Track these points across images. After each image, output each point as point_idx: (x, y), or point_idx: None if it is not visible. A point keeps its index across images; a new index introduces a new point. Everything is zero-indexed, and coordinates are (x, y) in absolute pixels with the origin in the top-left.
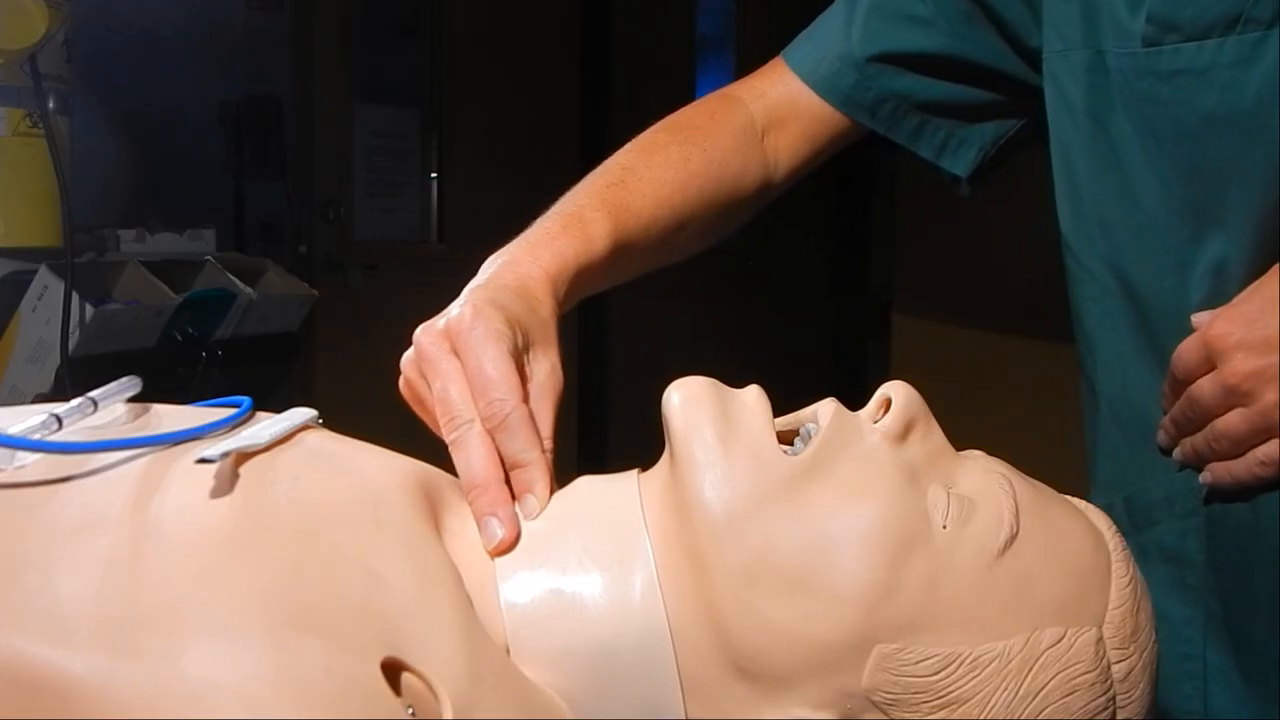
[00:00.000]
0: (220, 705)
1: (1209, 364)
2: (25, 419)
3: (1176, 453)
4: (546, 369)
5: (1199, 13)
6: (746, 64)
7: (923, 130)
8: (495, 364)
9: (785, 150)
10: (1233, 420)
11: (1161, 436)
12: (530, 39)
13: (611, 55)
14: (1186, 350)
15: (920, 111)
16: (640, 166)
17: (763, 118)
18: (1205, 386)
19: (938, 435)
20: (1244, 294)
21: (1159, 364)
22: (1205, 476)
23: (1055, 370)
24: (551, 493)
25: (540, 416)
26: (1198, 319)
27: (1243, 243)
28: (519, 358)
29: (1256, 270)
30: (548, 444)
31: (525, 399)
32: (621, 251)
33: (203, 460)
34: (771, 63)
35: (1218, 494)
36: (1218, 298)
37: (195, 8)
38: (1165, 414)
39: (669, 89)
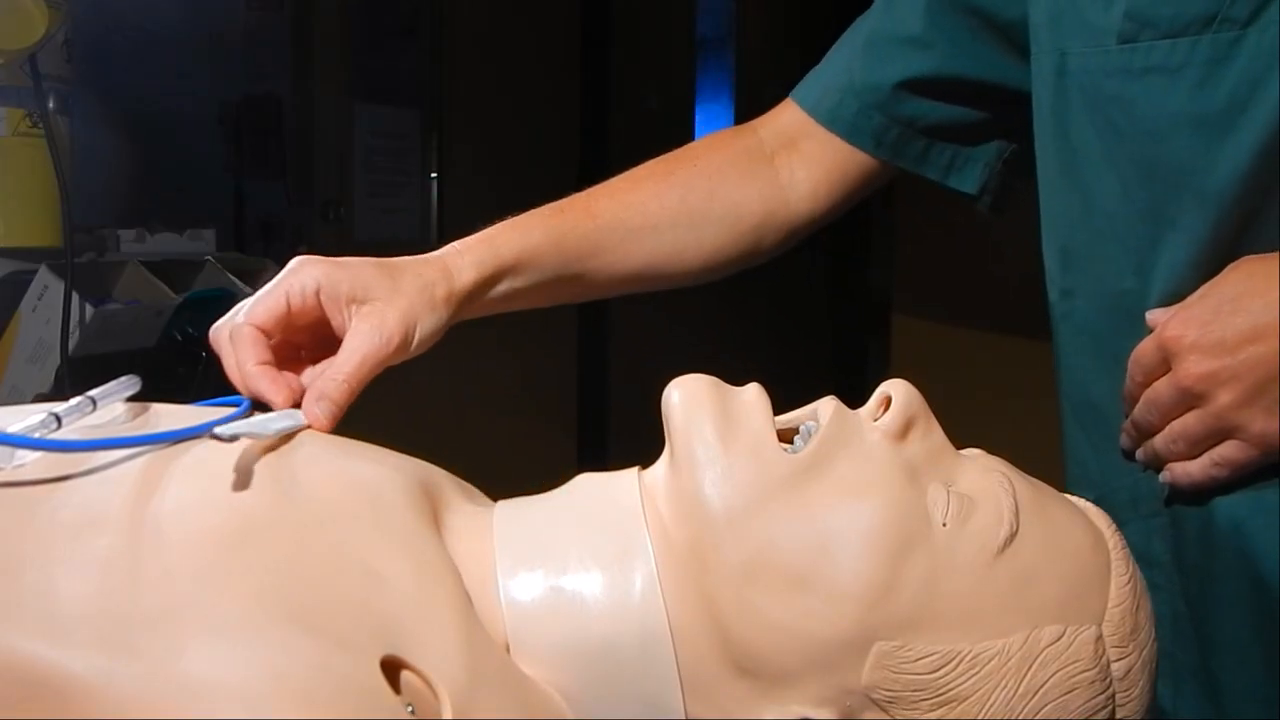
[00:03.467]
0: (220, 704)
1: (1165, 365)
2: (25, 418)
3: (1138, 455)
4: (371, 325)
5: (1177, 9)
6: (746, 64)
7: (928, 154)
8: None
9: (801, 171)
10: (1189, 422)
11: (1124, 439)
12: (530, 39)
13: (611, 55)
14: (1143, 352)
15: (925, 136)
16: (618, 180)
17: (772, 140)
18: (1161, 388)
19: (938, 433)
20: (1198, 294)
21: (1119, 366)
22: (1165, 476)
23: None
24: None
25: (341, 358)
26: (1152, 317)
27: (1198, 245)
28: (335, 302)
29: (1211, 272)
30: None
31: (300, 331)
32: (569, 242)
33: (216, 437)
34: (782, 103)
35: (1178, 495)
36: (1174, 299)
37: (195, 8)
38: (1126, 416)
39: (669, 89)
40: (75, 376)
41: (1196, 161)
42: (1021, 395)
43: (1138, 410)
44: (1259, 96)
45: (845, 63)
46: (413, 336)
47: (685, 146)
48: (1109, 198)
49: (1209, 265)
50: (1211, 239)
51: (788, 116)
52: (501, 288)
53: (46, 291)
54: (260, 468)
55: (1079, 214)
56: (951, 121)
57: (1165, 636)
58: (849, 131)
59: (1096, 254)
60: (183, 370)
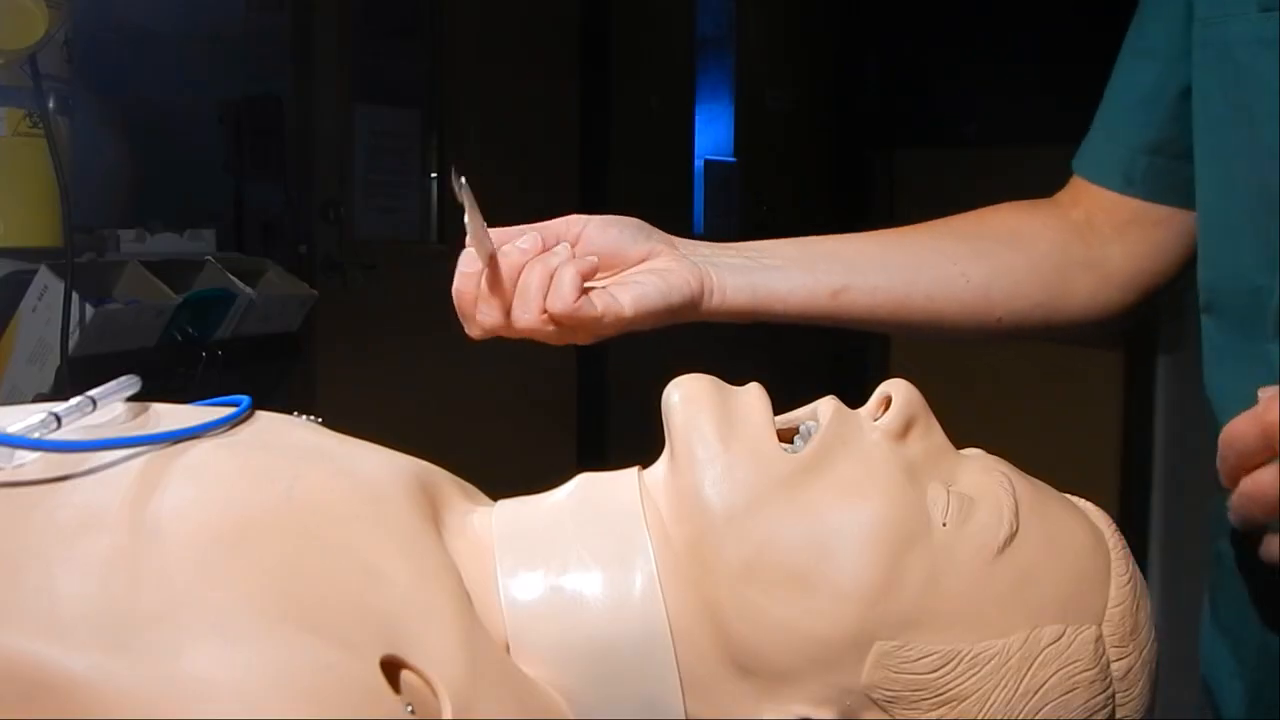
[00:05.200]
0: (220, 703)
1: (1267, 450)
2: (25, 418)
3: (1261, 552)
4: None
5: None
6: (746, 64)
7: (1186, 184)
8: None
9: (1097, 212)
10: None
11: (1232, 517)
12: (530, 39)
13: (611, 55)
14: (1240, 432)
15: (1179, 162)
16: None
17: (1062, 197)
18: (1263, 481)
19: (938, 433)
20: None
21: (1253, 369)
22: None
23: (1054, 370)
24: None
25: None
26: (1264, 393)
27: None
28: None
29: None
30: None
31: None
32: (825, 255)
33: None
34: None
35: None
36: None
37: (195, 7)
38: (1221, 487)
39: (669, 89)
40: (75, 376)
41: None
42: (1021, 395)
43: (1237, 501)
44: None
45: (1099, 109)
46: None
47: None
48: (1242, 181)
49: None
50: None
51: (1069, 184)
52: (750, 259)
53: (46, 291)
54: (260, 467)
55: (1217, 199)
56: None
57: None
58: (1097, 174)
59: (1233, 244)
60: (183, 370)
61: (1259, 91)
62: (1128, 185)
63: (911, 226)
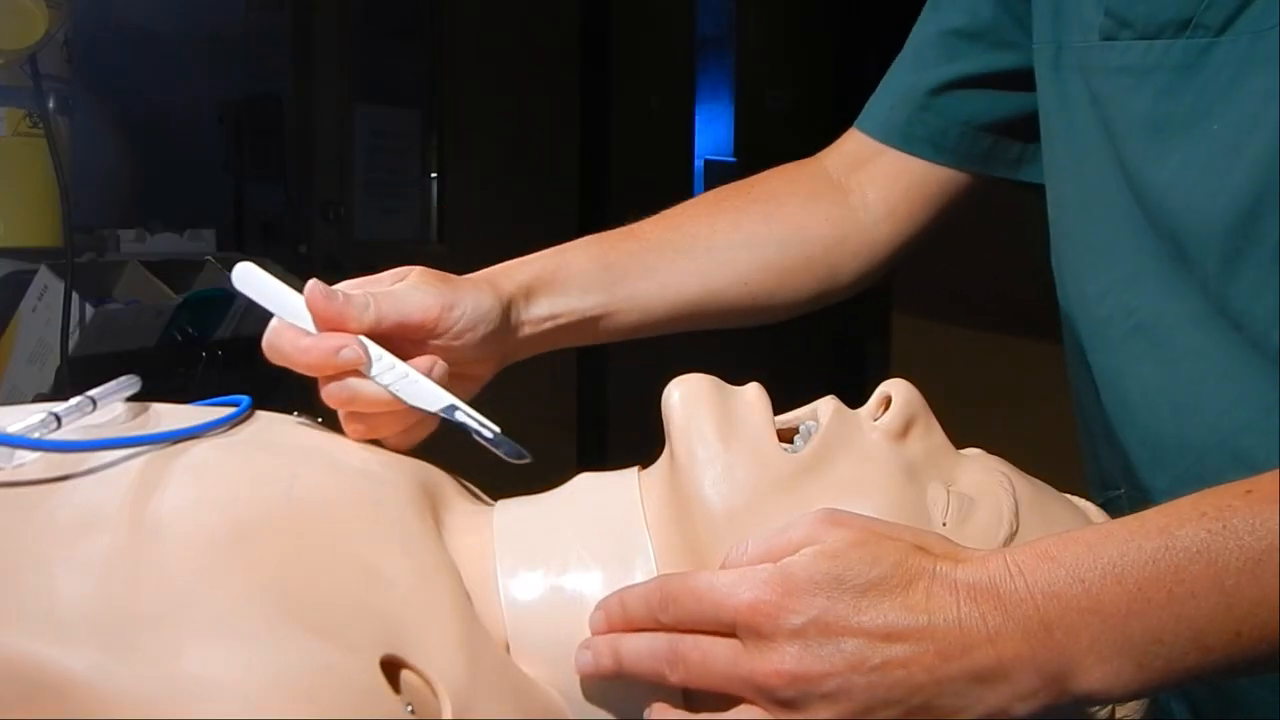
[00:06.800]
0: (220, 703)
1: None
2: (25, 418)
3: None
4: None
5: (1152, 11)
6: (746, 64)
7: (994, 151)
8: None
9: (873, 192)
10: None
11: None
12: (530, 39)
13: (611, 55)
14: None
15: (988, 133)
16: (663, 212)
17: (837, 167)
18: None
19: (938, 433)
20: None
21: (1094, 379)
22: None
23: (1055, 370)
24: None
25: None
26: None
27: (1141, 262)
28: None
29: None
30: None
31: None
32: (613, 260)
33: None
34: (845, 133)
35: None
36: (1108, 325)
37: (195, 7)
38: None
39: (669, 89)
40: (75, 376)
41: (1146, 169)
42: (1021, 395)
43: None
44: (1217, 109)
45: (896, 74)
46: (454, 305)
47: (740, 180)
48: (1104, 201)
49: (1146, 284)
50: (1152, 255)
51: (851, 143)
52: (542, 306)
53: (46, 291)
54: (260, 467)
55: (1068, 224)
56: (1012, 112)
57: None
58: (904, 141)
59: (1079, 268)
60: (183, 370)
61: (1101, 115)
62: (937, 154)
63: (710, 220)
